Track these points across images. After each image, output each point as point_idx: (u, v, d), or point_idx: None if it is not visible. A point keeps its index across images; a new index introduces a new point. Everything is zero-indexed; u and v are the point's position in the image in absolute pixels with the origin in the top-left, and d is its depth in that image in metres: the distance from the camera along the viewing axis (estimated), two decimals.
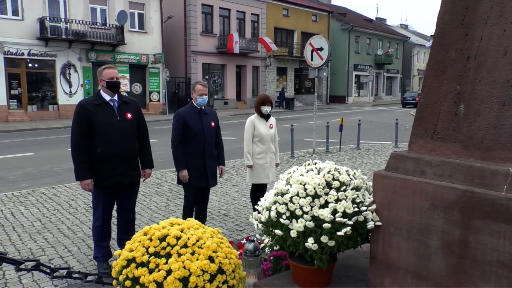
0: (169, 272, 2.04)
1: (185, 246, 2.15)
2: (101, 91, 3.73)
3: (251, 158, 5.05)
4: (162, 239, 2.19)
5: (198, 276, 2.05)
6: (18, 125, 18.34)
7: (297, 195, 2.39)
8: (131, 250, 2.19)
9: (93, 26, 22.08)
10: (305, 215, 2.32)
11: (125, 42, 23.13)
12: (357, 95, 42.86)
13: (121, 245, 3.85)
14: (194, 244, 2.17)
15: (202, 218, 4.52)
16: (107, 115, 3.64)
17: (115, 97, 3.74)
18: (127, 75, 23.82)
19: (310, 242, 2.29)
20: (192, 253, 2.13)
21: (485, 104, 2.16)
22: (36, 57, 20.80)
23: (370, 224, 2.37)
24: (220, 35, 28.92)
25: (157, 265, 2.07)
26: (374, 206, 2.41)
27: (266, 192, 2.73)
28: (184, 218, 3.05)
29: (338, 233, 2.26)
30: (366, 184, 2.59)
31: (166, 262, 2.08)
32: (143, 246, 2.17)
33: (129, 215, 4.01)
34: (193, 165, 4.29)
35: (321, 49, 10.57)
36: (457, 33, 2.32)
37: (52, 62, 21.42)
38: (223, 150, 4.64)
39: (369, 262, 2.50)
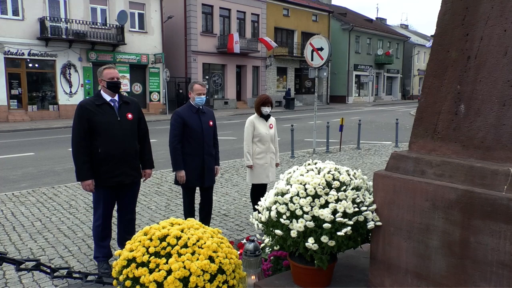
0: (169, 272, 2.04)
1: (185, 246, 2.15)
2: (101, 91, 3.73)
3: (251, 158, 5.05)
4: (163, 239, 2.19)
5: (198, 276, 2.05)
6: (18, 125, 18.35)
7: (297, 195, 2.39)
8: (132, 250, 2.19)
9: (93, 26, 22.09)
10: (305, 215, 2.32)
11: (125, 42, 23.15)
12: (357, 95, 42.85)
13: (122, 245, 3.85)
14: (194, 244, 2.17)
15: (206, 221, 4.53)
16: (108, 116, 3.64)
17: (116, 97, 3.74)
18: (128, 75, 23.84)
19: (310, 242, 2.29)
20: (192, 253, 2.13)
21: (485, 104, 2.16)
22: (36, 57, 20.81)
23: (370, 224, 2.37)
24: (220, 35, 28.92)
25: (157, 265, 2.07)
26: (374, 206, 2.41)
27: (266, 192, 2.73)
28: (185, 218, 3.05)
29: (338, 233, 2.26)
30: (366, 184, 2.58)
31: (166, 262, 2.08)
32: (144, 246, 2.17)
33: (129, 215, 4.01)
34: (191, 165, 4.30)
35: (321, 49, 10.57)
36: (457, 33, 2.32)
37: (52, 62, 21.43)
38: (218, 150, 4.66)
39: (369, 262, 2.50)
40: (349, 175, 2.53)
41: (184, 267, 2.05)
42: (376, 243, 2.43)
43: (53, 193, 6.75)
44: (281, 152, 9.43)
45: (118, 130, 3.67)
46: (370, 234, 2.48)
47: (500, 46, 2.13)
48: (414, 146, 2.47)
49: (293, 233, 2.33)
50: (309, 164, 2.69)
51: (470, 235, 1.98)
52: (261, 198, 2.69)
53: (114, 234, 4.35)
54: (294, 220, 2.34)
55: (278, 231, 2.40)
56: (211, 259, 2.14)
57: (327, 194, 2.37)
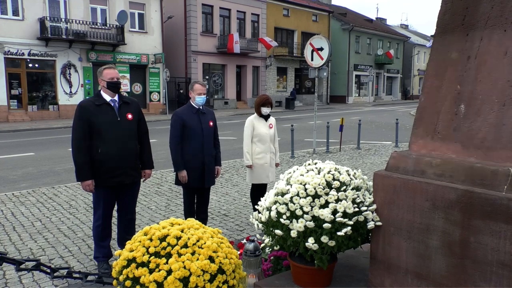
0: (169, 272, 2.04)
1: (185, 246, 2.15)
2: (101, 92, 3.73)
3: (251, 158, 5.05)
4: (163, 239, 2.19)
5: (199, 276, 2.05)
6: (18, 125, 18.35)
7: (298, 195, 2.39)
8: (132, 250, 2.18)
9: (93, 26, 22.08)
10: (305, 215, 2.32)
11: (125, 42, 23.15)
12: (357, 95, 42.85)
13: (122, 245, 3.85)
14: (194, 244, 2.17)
15: (203, 219, 4.52)
16: (108, 116, 3.64)
17: (116, 98, 3.74)
18: (128, 75, 23.83)
19: (310, 242, 2.29)
20: (193, 253, 2.12)
21: (485, 104, 2.16)
22: (36, 57, 20.81)
23: (371, 224, 2.37)
24: (220, 35, 28.92)
25: (158, 265, 2.07)
26: (374, 206, 2.41)
27: (266, 192, 2.73)
28: (186, 218, 3.05)
29: (339, 233, 2.26)
30: (367, 184, 2.58)
31: (167, 262, 2.08)
32: (144, 246, 2.17)
33: (129, 215, 4.01)
34: (192, 165, 4.29)
35: (321, 49, 10.57)
36: (457, 33, 2.32)
37: (52, 62, 21.43)
38: (220, 151, 4.65)
39: (370, 262, 2.50)
40: (349, 175, 2.53)
41: (184, 267, 2.05)
42: (376, 243, 2.43)
43: (53, 193, 6.75)
44: (281, 152, 9.42)
45: (118, 131, 3.67)
46: (370, 234, 2.48)
47: (500, 46, 2.13)
48: (414, 146, 2.47)
49: (293, 233, 2.33)
50: (309, 164, 2.69)
51: (470, 235, 1.98)
52: (261, 198, 2.69)
53: (114, 234, 4.35)
54: (294, 220, 2.34)
55: (278, 231, 2.40)
56: (211, 259, 2.14)
57: (327, 194, 2.37)
